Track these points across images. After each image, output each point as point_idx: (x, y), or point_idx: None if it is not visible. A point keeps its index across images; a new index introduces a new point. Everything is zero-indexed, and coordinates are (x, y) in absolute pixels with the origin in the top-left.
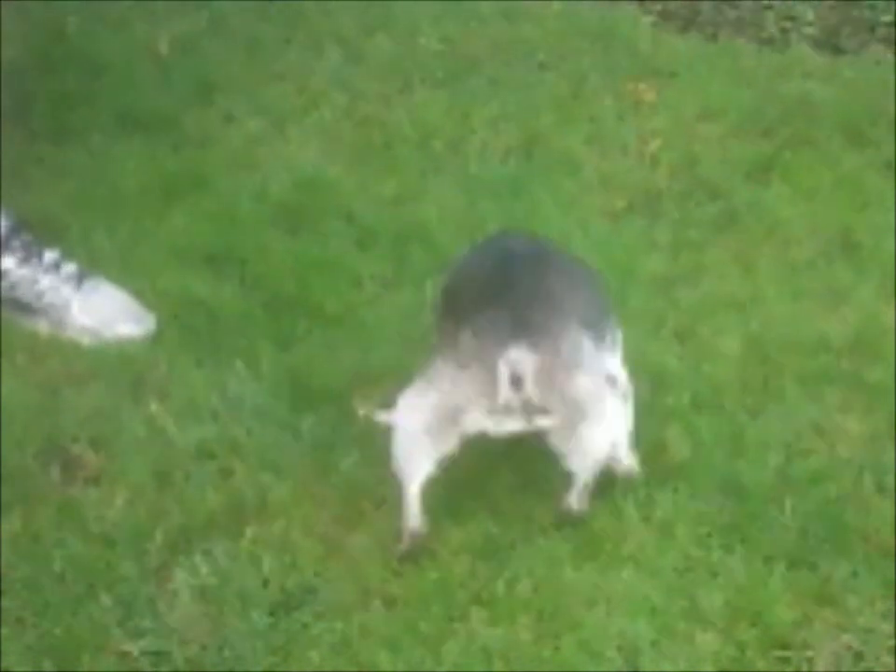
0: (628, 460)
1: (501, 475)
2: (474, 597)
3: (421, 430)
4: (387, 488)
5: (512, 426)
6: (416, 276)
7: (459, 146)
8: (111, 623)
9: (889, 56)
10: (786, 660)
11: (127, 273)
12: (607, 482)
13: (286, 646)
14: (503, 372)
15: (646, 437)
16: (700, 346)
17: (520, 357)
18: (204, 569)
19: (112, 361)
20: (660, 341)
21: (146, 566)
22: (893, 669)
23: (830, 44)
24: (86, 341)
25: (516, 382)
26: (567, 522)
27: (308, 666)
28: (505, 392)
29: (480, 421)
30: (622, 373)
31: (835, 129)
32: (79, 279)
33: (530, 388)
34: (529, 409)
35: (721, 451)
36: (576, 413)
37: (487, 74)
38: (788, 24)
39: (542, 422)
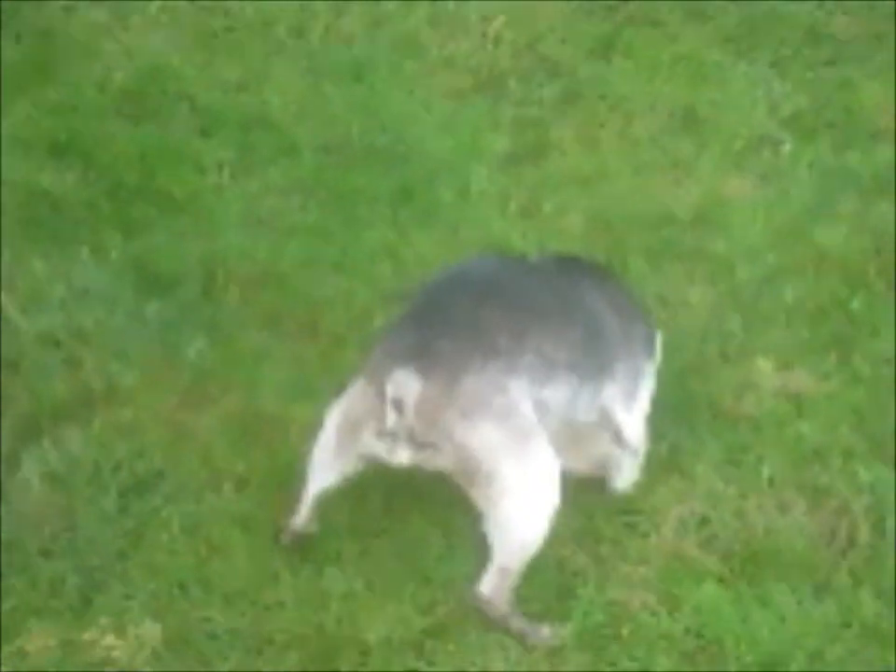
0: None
1: (348, 352)
2: None
3: (327, 442)
4: (234, 372)
5: (403, 456)
6: (261, 161)
7: (302, 30)
8: None
9: None
10: (633, 525)
11: None
12: None
13: (137, 529)
14: (388, 393)
15: None
16: (545, 223)
17: (403, 381)
18: (54, 457)
19: None
20: (505, 218)
21: None
22: (738, 530)
23: None
24: None
25: (398, 406)
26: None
27: (160, 549)
28: (389, 414)
29: (373, 443)
30: (635, 430)
31: (676, 5)
32: None
33: (410, 416)
34: (415, 440)
35: None
36: (471, 466)
37: None
38: None
39: (432, 460)
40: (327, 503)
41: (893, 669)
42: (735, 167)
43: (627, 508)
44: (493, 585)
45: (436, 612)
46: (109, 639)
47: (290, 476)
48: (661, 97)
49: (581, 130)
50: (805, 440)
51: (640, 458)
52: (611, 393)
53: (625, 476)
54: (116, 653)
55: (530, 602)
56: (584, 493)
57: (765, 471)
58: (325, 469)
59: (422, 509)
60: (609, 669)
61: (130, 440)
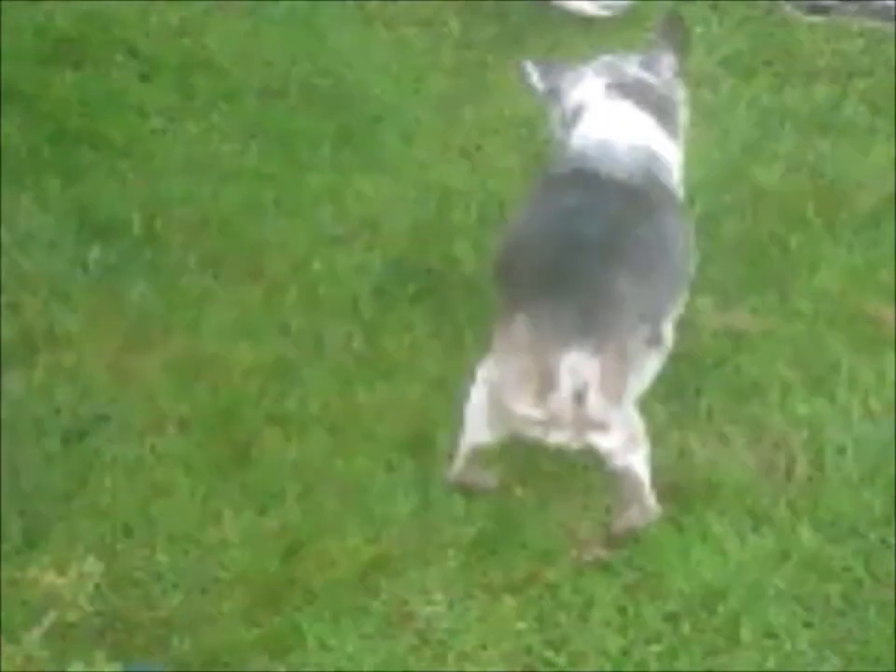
0: None
1: (289, 294)
2: (266, 416)
3: (482, 410)
4: (177, 315)
5: (563, 437)
6: (202, 106)
7: None
8: None
9: None
10: (574, 460)
11: None
12: None
13: (81, 472)
14: (564, 383)
15: (436, 253)
16: (485, 163)
17: (582, 364)
18: None
19: None
20: (446, 159)
21: None
22: (678, 464)
23: None
24: None
25: (577, 396)
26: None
27: (104, 490)
28: (563, 406)
29: (527, 427)
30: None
31: None
32: None
33: (592, 401)
34: (587, 423)
35: None
36: (633, 433)
37: None
38: None
39: (598, 439)
40: (272, 443)
41: (830, 598)
42: None
43: None
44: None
45: (378, 548)
46: (51, 577)
47: (232, 417)
48: (601, 40)
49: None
50: (744, 374)
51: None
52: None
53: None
54: (58, 590)
55: (480, 542)
56: None
57: (704, 406)
58: (478, 431)
59: (366, 447)
60: (550, 603)
61: (73, 383)
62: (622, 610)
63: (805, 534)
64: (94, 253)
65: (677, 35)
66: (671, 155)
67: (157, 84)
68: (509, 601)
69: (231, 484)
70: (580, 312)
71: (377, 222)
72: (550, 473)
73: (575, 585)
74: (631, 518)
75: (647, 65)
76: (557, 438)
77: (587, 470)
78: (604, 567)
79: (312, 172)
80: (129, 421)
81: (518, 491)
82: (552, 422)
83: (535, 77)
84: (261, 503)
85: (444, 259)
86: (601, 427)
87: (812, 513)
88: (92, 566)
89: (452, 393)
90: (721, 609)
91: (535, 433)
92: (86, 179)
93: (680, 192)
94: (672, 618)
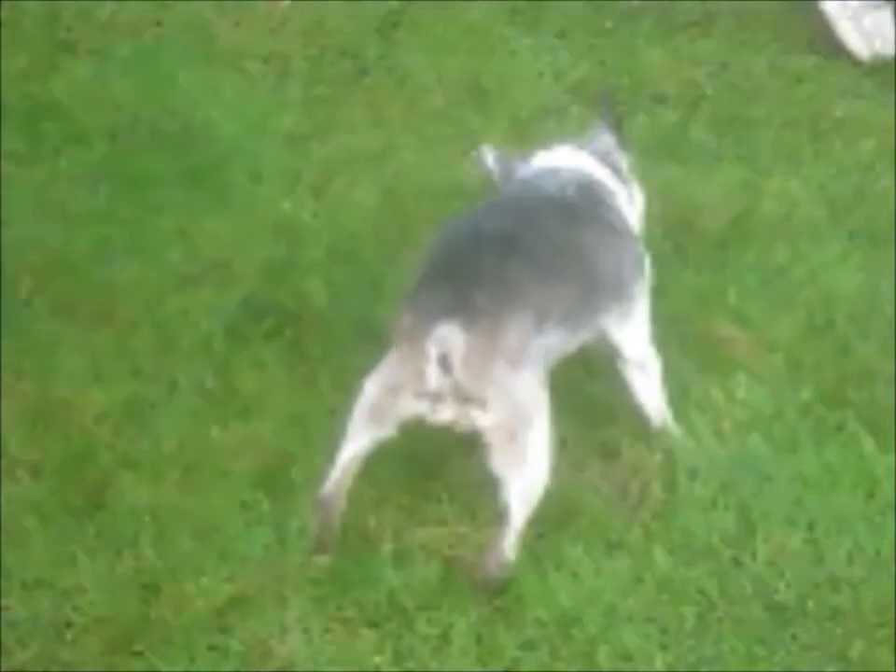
0: (662, 418)
1: (141, 337)
2: (120, 459)
3: (364, 409)
4: (27, 360)
5: (446, 413)
6: (50, 151)
7: (87, 18)
8: None
9: None
10: (428, 492)
11: None
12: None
13: None
14: (431, 352)
15: (287, 290)
16: (336, 200)
17: (448, 335)
18: None
19: None
20: (295, 196)
21: None
22: None
23: None
24: None
25: (444, 363)
26: (488, 588)
27: None
28: (432, 373)
29: (412, 405)
30: (633, 346)
31: None
32: None
33: (459, 371)
34: (462, 396)
35: (359, 299)
36: (516, 416)
37: None
38: None
39: (477, 415)
40: (126, 486)
41: (685, 619)
42: (522, 137)
43: (422, 475)
44: (509, 548)
45: (234, 588)
46: None
47: (85, 462)
48: (448, 71)
49: (369, 106)
50: (597, 401)
51: (656, 381)
52: (605, 321)
53: (650, 402)
54: None
55: (336, 576)
56: (380, 463)
57: (558, 434)
58: (358, 435)
59: (221, 486)
60: (408, 635)
61: None
62: (479, 639)
63: (659, 556)
64: None
65: (610, 111)
66: (619, 192)
67: (4, 129)
68: (366, 634)
69: (86, 529)
70: (453, 292)
71: (228, 261)
72: (402, 505)
73: (431, 616)
74: (488, 567)
75: (585, 144)
76: (443, 415)
77: (440, 503)
78: (459, 597)
79: (161, 213)
80: None
81: (371, 522)
82: (433, 397)
83: (490, 160)
84: (116, 546)
85: (296, 296)
86: (476, 401)
87: (665, 536)
88: None
89: (306, 429)
90: (577, 634)
91: (421, 411)
92: None
93: (632, 224)
94: (530, 645)
